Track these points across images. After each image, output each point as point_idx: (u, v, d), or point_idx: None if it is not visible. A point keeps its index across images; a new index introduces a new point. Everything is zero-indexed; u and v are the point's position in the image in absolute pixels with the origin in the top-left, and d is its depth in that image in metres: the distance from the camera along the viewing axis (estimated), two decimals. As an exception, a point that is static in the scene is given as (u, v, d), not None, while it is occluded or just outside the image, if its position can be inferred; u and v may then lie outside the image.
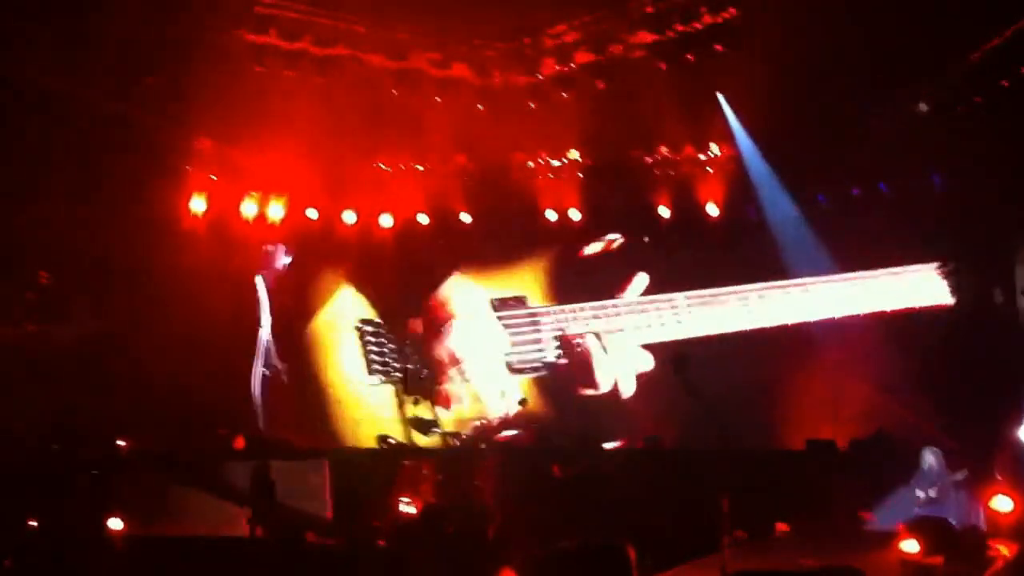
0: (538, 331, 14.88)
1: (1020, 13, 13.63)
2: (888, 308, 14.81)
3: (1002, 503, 11.64)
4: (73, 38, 13.73)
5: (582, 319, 14.43)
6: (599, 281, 17.05)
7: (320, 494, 13.79)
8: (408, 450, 16.00)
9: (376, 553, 11.87)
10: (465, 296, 17.50)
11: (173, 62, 14.76)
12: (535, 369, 14.40)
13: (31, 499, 11.98)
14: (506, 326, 15.99)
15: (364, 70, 15.51)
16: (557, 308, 15.34)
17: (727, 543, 8.38)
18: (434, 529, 12.30)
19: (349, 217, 18.33)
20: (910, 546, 9.96)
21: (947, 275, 13.26)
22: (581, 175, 18.22)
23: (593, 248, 16.98)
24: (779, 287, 14.72)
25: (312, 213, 18.28)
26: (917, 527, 10.36)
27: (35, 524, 11.67)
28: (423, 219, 18.46)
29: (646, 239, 17.45)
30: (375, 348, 16.71)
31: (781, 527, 13.34)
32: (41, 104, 14.51)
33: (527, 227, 18.34)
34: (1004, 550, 10.37)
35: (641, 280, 13.97)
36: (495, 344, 15.88)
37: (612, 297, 16.18)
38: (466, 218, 18.42)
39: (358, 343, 17.23)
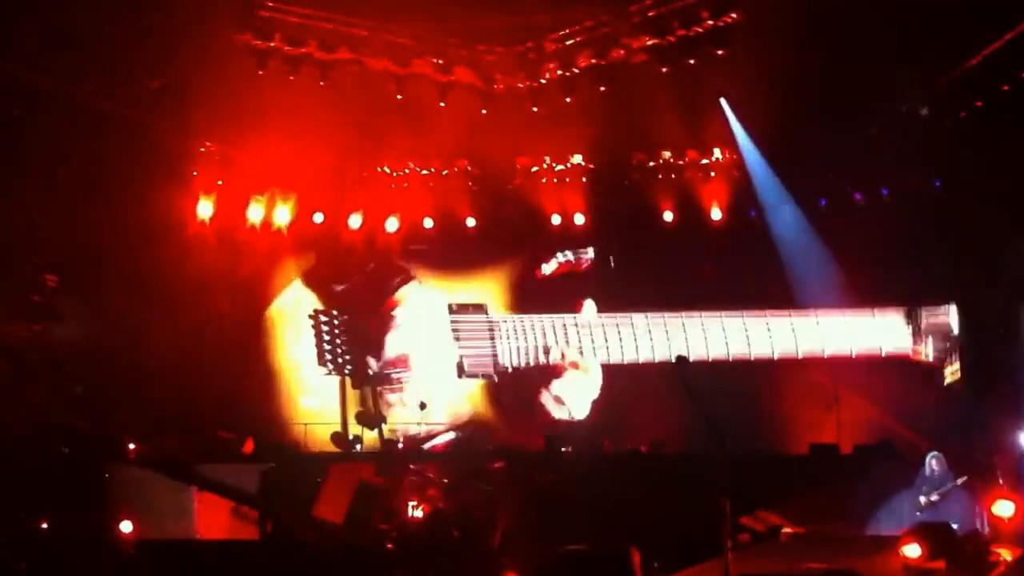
0: (493, 338, 14.98)
1: (1020, 17, 13.68)
2: (852, 352, 14.78)
3: (1004, 508, 11.67)
4: (79, 44, 13.78)
5: (539, 330, 14.50)
6: (559, 295, 17.16)
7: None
8: (421, 454, 16.01)
9: (383, 556, 11.90)
10: (421, 301, 17.59)
11: (179, 67, 14.81)
12: (486, 375, 14.49)
13: (41, 502, 12.01)
14: (462, 331, 16.11)
15: (367, 74, 15.55)
16: (516, 317, 15.45)
17: (730, 547, 8.42)
18: (440, 533, 12.35)
19: (355, 221, 18.39)
20: (912, 551, 9.96)
21: (911, 319, 13.16)
22: (584, 179, 18.27)
23: (549, 267, 17.08)
24: (751, 315, 14.73)
25: (317, 217, 18.34)
26: (919, 532, 10.36)
27: (45, 527, 11.71)
28: (428, 223, 18.52)
29: (612, 263, 17.53)
30: (327, 339, 16.78)
31: (785, 530, 13.37)
32: (48, 108, 14.57)
33: (530, 231, 18.40)
34: (1006, 554, 10.38)
35: (589, 307, 14.03)
36: (448, 351, 15.99)
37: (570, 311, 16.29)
38: (470, 222, 18.48)
39: (312, 332, 17.28)
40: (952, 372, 13.21)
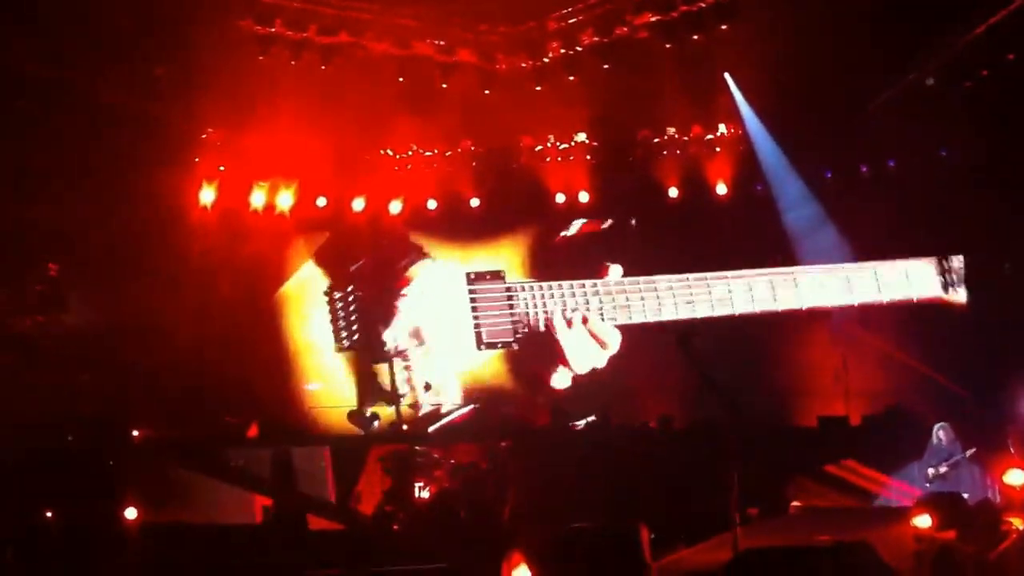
0: (513, 305, 14.95)
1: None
2: (879, 300, 14.78)
3: (1016, 477, 11.61)
4: (80, 30, 13.76)
5: (558, 296, 14.48)
6: (580, 261, 17.10)
7: (322, 480, 13.90)
8: (417, 436, 16.00)
9: (390, 538, 11.92)
10: (436, 275, 17.53)
11: (181, 54, 14.79)
12: (505, 344, 14.48)
13: (46, 489, 12.03)
14: (480, 300, 16.08)
15: (369, 58, 15.51)
16: (535, 284, 15.41)
17: (739, 521, 8.38)
18: (447, 514, 12.35)
19: (358, 204, 18.38)
20: (923, 521, 9.92)
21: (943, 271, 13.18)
22: (589, 157, 18.23)
23: (570, 231, 17.06)
24: (763, 275, 14.69)
25: (320, 201, 18.34)
26: (930, 502, 10.31)
27: (50, 515, 11.73)
28: (432, 204, 18.50)
29: (633, 222, 17.47)
30: (343, 316, 16.77)
31: (794, 504, 13.36)
32: (50, 96, 14.56)
33: (535, 210, 18.36)
34: (1018, 523, 10.32)
35: (616, 271, 14.03)
36: (465, 323, 15.89)
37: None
38: (475, 203, 18.46)
39: (327, 310, 17.23)
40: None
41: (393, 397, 14.41)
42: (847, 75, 15.23)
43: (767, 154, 17.07)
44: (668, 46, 14.93)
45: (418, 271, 15.19)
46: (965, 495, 11.84)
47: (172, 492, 13.17)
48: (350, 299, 15.07)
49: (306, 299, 18.35)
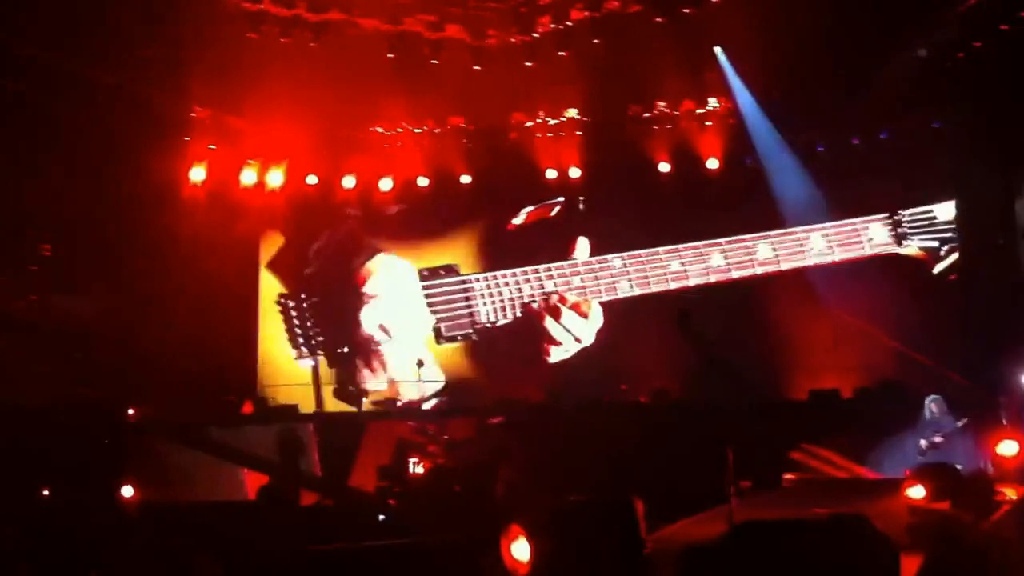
0: (469, 297, 14.97)
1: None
2: (831, 260, 14.86)
3: (1008, 448, 11.67)
4: (68, 9, 13.69)
5: (513, 284, 14.52)
6: (532, 248, 17.15)
7: (308, 455, 13.98)
8: (409, 412, 16.06)
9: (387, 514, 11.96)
10: (390, 272, 17.57)
11: (169, 31, 14.73)
12: (465, 336, 14.51)
13: (42, 468, 12.05)
14: (435, 295, 16.12)
15: (359, 34, 15.45)
16: (488, 274, 15.44)
17: (733, 494, 8.43)
18: (442, 489, 12.39)
19: (348, 182, 18.35)
20: (916, 492, 9.97)
21: (893, 224, 13.29)
22: (580, 133, 18.21)
23: (519, 219, 17.07)
24: (717, 245, 14.74)
25: (311, 179, 18.30)
26: (923, 473, 10.37)
27: (47, 493, 11.76)
28: (423, 182, 18.47)
29: (581, 205, 17.49)
30: (297, 324, 16.78)
31: (788, 477, 13.41)
32: (38, 77, 14.51)
33: (526, 186, 18.35)
34: (1011, 493, 10.39)
35: (583, 245, 14.02)
36: (421, 317, 15.91)
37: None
38: (465, 179, 18.43)
39: (280, 318, 17.27)
40: (947, 264, 13.36)
41: (357, 397, 14.42)
42: (838, 47, 15.20)
43: (758, 128, 17.06)
44: (659, 20, 14.90)
45: (374, 267, 15.24)
46: (958, 466, 11.90)
47: (168, 470, 13.21)
48: (304, 305, 15.01)
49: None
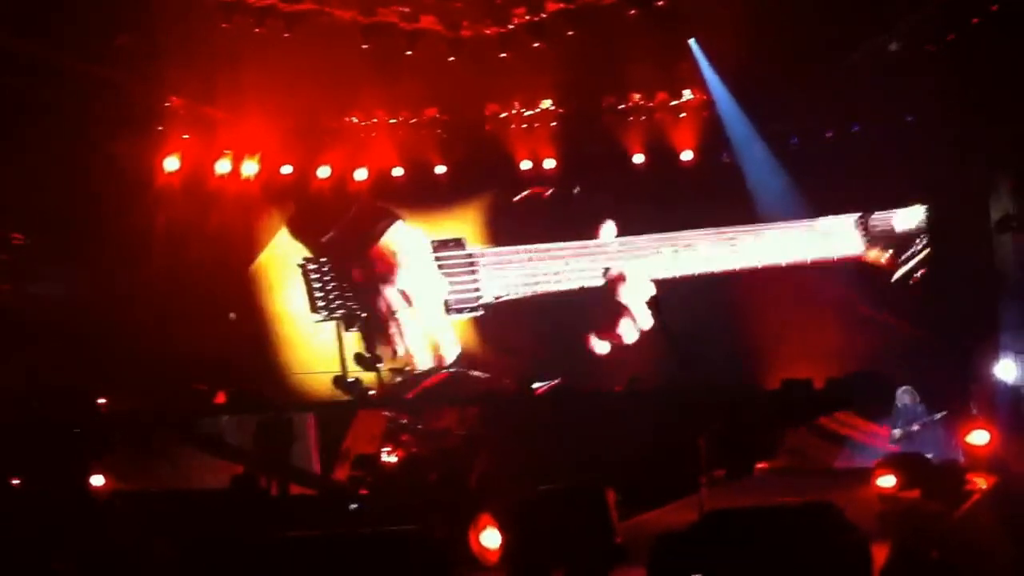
0: (475, 272, 15.03)
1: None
2: (806, 259, 15.04)
3: (979, 437, 11.74)
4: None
5: (517, 261, 14.62)
6: (533, 226, 17.28)
7: (305, 446, 13.93)
8: (389, 401, 16.06)
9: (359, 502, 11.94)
10: (409, 242, 17.63)
11: (143, 20, 14.64)
12: (472, 309, 14.59)
13: (12, 457, 11.97)
14: (445, 267, 16.19)
15: (333, 25, 15.39)
16: (493, 250, 15.49)
17: (705, 483, 8.46)
18: (415, 477, 12.38)
19: (323, 172, 18.30)
20: (887, 481, 10.04)
21: (864, 226, 13.59)
22: (554, 124, 18.20)
23: (519, 196, 17.22)
24: (702, 236, 14.87)
25: (286, 169, 18.24)
26: (894, 462, 10.45)
27: (16, 482, 11.68)
28: (397, 172, 18.44)
29: (576, 190, 17.59)
30: (319, 286, 16.83)
31: (760, 466, 13.46)
32: (9, 65, 14.39)
33: (501, 177, 18.36)
34: (981, 483, 10.45)
35: (609, 228, 14.14)
36: (437, 288, 15.98)
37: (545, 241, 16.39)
38: (440, 170, 18.41)
39: (302, 280, 17.33)
40: (904, 272, 13.67)
41: (372, 363, 14.62)
42: (812, 40, 15.24)
43: (732, 120, 17.11)
44: (633, 12, 14.91)
45: (394, 235, 15.35)
46: (929, 455, 11.98)
47: (140, 460, 13.16)
48: (325, 269, 15.25)
49: (276, 269, 18.35)
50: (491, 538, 8.16)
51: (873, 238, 14.47)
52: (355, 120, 18.30)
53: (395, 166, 18.39)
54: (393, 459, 13.55)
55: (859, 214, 14.46)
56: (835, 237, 14.28)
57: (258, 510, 10.79)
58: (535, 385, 15.33)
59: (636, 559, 7.29)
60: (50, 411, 13.26)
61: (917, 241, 14.40)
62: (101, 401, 14.09)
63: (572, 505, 8.10)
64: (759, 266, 14.96)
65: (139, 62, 15.45)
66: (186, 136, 17.57)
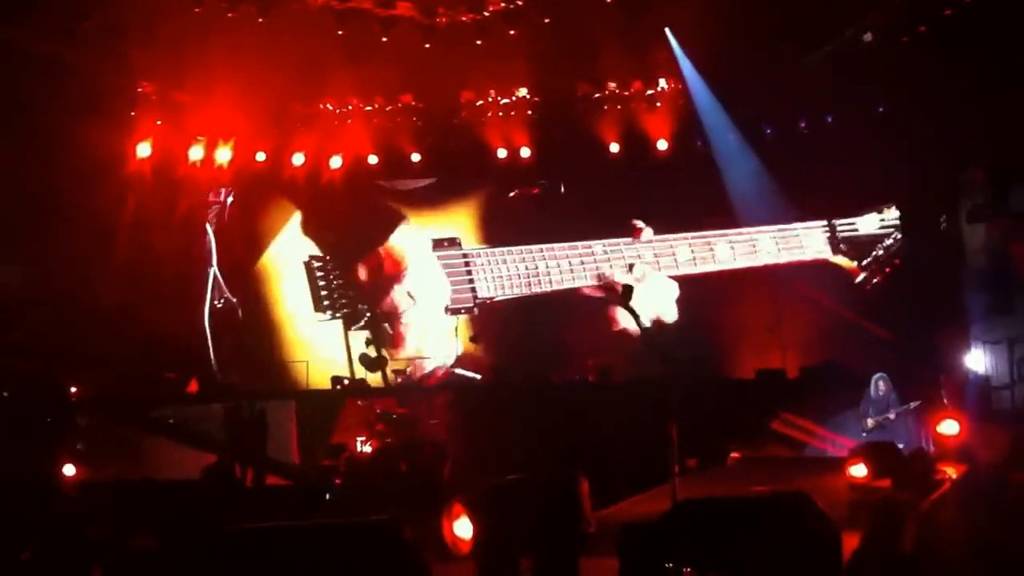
0: (470, 271, 15.06)
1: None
2: (776, 262, 15.21)
3: (949, 427, 11.81)
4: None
5: (511, 262, 14.67)
6: (525, 225, 17.29)
7: (286, 436, 13.92)
8: (366, 390, 16.03)
9: (332, 492, 11.93)
10: (415, 243, 17.59)
11: (113, 3, 14.53)
12: (468, 309, 14.63)
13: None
14: (445, 266, 16.19)
15: (307, 10, 15.32)
16: (489, 250, 15.53)
17: (677, 472, 8.47)
18: (389, 467, 12.37)
19: (298, 159, 18.21)
20: (858, 470, 10.09)
21: (828, 233, 14.04)
22: (530, 112, 18.18)
23: (513, 192, 17.26)
24: (681, 240, 15.00)
25: (260, 156, 18.14)
26: (865, 451, 10.50)
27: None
28: (372, 159, 18.37)
29: (562, 189, 17.63)
30: (323, 284, 16.80)
31: (732, 455, 13.51)
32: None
33: (476, 165, 18.33)
34: (951, 472, 10.50)
35: (648, 232, 14.40)
36: (441, 289, 16.03)
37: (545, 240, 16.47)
38: (415, 158, 18.36)
39: (306, 278, 17.29)
40: (864, 277, 14.08)
41: (378, 363, 14.57)
42: (786, 31, 15.26)
43: (706, 109, 17.12)
44: (608, 0, 14.90)
45: (400, 235, 15.31)
46: (900, 445, 12.05)
47: (110, 448, 13.09)
48: (330, 267, 15.20)
49: (278, 266, 18.28)
50: (463, 527, 8.15)
51: (839, 243, 14.73)
52: (329, 107, 18.23)
53: (370, 153, 18.31)
54: (367, 449, 13.52)
55: (826, 221, 14.78)
56: (806, 241, 14.53)
57: (231, 500, 10.75)
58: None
59: (608, 548, 7.27)
60: (18, 398, 13.17)
61: (879, 246, 14.62)
62: (73, 389, 13.99)
63: (544, 494, 8.09)
64: (738, 268, 15.14)
65: (110, 46, 15.32)
66: (159, 122, 17.44)
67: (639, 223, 14.97)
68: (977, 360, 15.28)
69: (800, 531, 7.13)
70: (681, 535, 7.03)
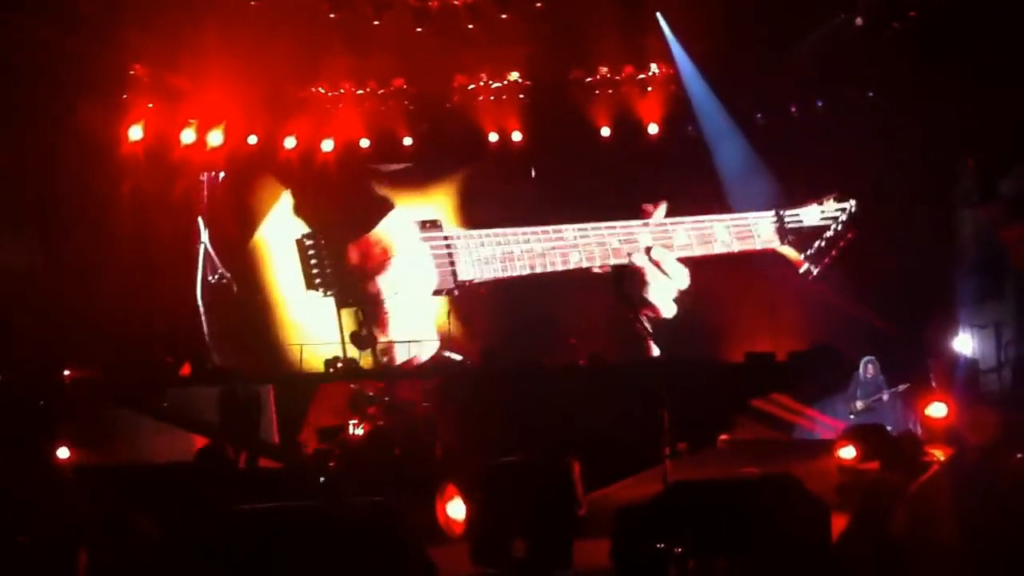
0: (451, 254, 15.13)
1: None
2: (731, 251, 15.37)
3: (937, 409, 11.91)
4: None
5: (488, 244, 14.73)
6: (504, 208, 17.36)
7: (266, 419, 13.92)
8: (356, 373, 16.07)
9: (326, 475, 11.98)
10: (402, 229, 17.61)
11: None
12: (449, 291, 14.71)
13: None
14: (429, 249, 16.28)
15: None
16: (468, 232, 15.60)
17: (668, 455, 8.54)
18: (382, 451, 12.42)
19: (289, 142, 18.20)
20: (847, 453, 10.17)
21: (777, 223, 14.42)
22: (521, 96, 18.19)
23: None
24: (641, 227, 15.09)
25: (252, 139, 18.13)
26: (854, 434, 10.57)
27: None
28: (364, 143, 18.37)
29: (532, 173, 17.66)
30: (315, 263, 16.83)
31: (722, 439, 13.58)
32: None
33: (468, 150, 18.34)
34: (939, 454, 10.59)
35: (661, 209, 14.51)
36: (425, 274, 16.08)
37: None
38: (407, 141, 18.37)
39: (299, 256, 17.32)
40: (806, 268, 14.50)
41: (367, 341, 14.67)
42: (778, 15, 15.29)
43: (698, 94, 17.15)
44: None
45: (388, 222, 15.33)
46: (888, 427, 12.13)
47: (105, 432, 13.10)
48: (322, 243, 15.30)
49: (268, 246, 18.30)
50: (457, 509, 8.23)
51: (787, 233, 14.97)
52: (322, 90, 18.22)
53: (361, 137, 18.31)
54: (360, 432, 13.57)
55: (775, 211, 15.05)
56: (757, 230, 14.77)
57: (225, 483, 10.78)
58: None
59: (600, 531, 7.35)
60: (12, 381, 13.19)
61: (822, 237, 14.89)
62: (67, 373, 14.00)
63: (537, 477, 8.17)
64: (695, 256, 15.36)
65: (102, 28, 15.28)
66: (151, 105, 17.42)
67: (650, 207, 15.06)
68: (965, 344, 15.39)
69: (789, 513, 7.22)
70: (672, 517, 7.11)
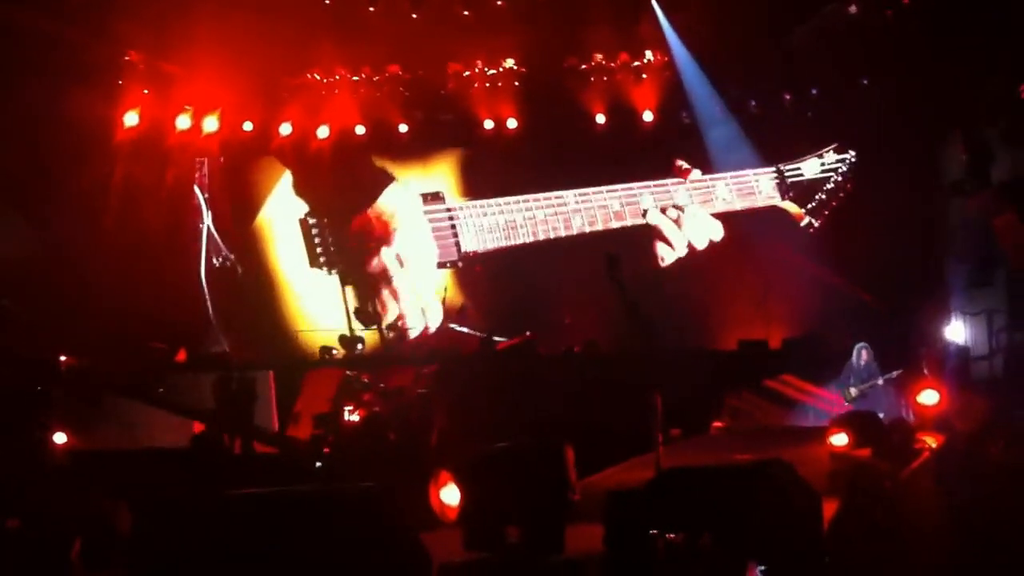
0: (454, 226, 15.16)
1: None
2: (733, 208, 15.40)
3: (929, 397, 11.96)
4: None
5: (490, 214, 14.76)
6: (504, 179, 17.38)
7: (265, 405, 13.94)
8: (351, 361, 16.08)
9: (321, 462, 12.00)
10: (404, 204, 17.60)
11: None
12: (452, 264, 14.75)
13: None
14: (432, 221, 16.31)
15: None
16: (470, 203, 15.67)
17: (661, 441, 8.58)
18: (376, 437, 12.44)
19: (285, 129, 18.20)
20: (839, 439, 10.23)
21: (778, 178, 14.41)
22: (517, 83, 18.20)
23: None
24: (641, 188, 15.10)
25: (247, 125, 18.13)
26: (846, 421, 10.64)
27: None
28: (360, 130, 18.37)
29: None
30: (319, 241, 16.88)
31: (715, 425, 13.66)
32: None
33: (463, 136, 18.35)
34: (931, 441, 10.64)
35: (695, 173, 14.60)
36: (428, 248, 16.10)
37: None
38: (403, 128, 18.37)
39: (302, 236, 17.32)
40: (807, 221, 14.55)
41: (373, 318, 14.63)
42: (772, 2, 15.31)
43: (692, 81, 17.16)
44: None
45: (389, 197, 15.31)
46: (880, 414, 12.19)
47: (101, 418, 13.12)
48: (324, 221, 15.23)
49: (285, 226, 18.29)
50: (451, 494, 8.28)
51: (788, 188, 14.97)
52: (316, 77, 18.22)
53: (357, 124, 18.31)
54: (355, 418, 13.59)
55: (775, 168, 15.08)
56: (758, 187, 14.79)
57: (220, 469, 10.83)
58: (496, 339, 15.42)
59: (593, 516, 7.40)
60: (9, 368, 13.19)
61: (822, 189, 14.90)
62: (63, 359, 14.01)
63: (530, 463, 8.20)
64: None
65: (96, 15, 15.27)
66: (145, 91, 17.41)
67: (684, 163, 15.12)
68: (957, 331, 15.45)
69: (781, 499, 7.25)
70: (665, 502, 7.15)
